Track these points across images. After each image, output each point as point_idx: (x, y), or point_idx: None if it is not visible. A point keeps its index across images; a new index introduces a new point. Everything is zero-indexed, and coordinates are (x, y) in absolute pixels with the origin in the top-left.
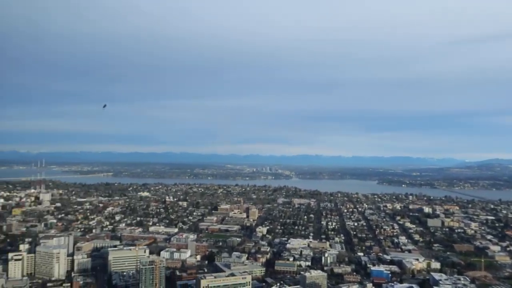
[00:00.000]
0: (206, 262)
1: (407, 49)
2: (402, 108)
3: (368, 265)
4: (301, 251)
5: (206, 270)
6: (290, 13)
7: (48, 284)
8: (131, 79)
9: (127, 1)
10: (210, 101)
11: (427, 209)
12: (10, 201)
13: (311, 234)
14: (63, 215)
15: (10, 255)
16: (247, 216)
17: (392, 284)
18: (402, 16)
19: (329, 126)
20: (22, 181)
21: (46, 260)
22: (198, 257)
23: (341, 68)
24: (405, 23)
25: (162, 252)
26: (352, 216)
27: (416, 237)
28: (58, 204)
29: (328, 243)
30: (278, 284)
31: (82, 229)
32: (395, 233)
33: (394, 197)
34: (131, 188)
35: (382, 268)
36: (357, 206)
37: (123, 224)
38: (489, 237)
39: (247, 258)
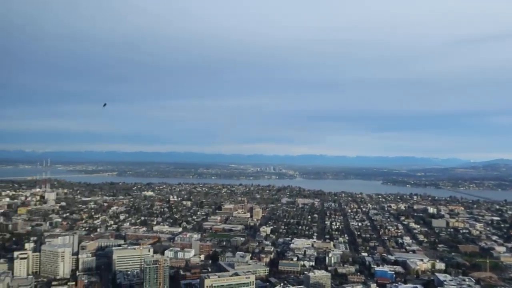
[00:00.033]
0: (210, 261)
1: (410, 49)
2: (407, 108)
3: (372, 266)
4: (305, 251)
5: (210, 270)
6: (291, 13)
7: (53, 283)
8: (135, 79)
9: (128, 1)
10: (214, 101)
11: (431, 210)
12: (15, 200)
13: (315, 234)
14: (68, 214)
15: (15, 253)
16: (251, 216)
17: (396, 284)
18: (405, 16)
19: (333, 126)
20: (27, 180)
21: (51, 259)
22: (202, 257)
23: (344, 68)
24: (407, 22)
25: (166, 252)
26: (356, 216)
27: (421, 237)
28: (63, 203)
29: (332, 243)
30: (282, 284)
31: (87, 228)
32: (399, 234)
33: (398, 197)
34: (135, 187)
35: (386, 268)
36: (361, 206)
37: (128, 223)
38: (494, 238)
39: (251, 258)
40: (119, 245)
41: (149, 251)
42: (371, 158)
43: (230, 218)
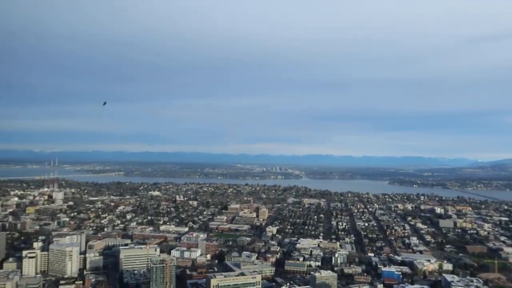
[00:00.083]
0: (216, 261)
1: (418, 48)
2: (414, 108)
3: (379, 266)
4: (311, 251)
5: (216, 269)
6: (299, 13)
7: (61, 282)
8: (142, 79)
9: (135, 1)
10: (220, 101)
11: (439, 210)
12: (24, 200)
13: (321, 234)
14: (75, 213)
15: (24, 252)
16: (257, 216)
17: (403, 285)
18: (412, 16)
19: (339, 125)
20: (35, 180)
21: (59, 258)
22: (208, 256)
23: (351, 67)
24: (416, 22)
25: (172, 251)
26: (362, 217)
27: (428, 238)
28: (71, 203)
29: (338, 243)
30: (288, 284)
31: (94, 228)
32: (406, 234)
33: (405, 197)
34: (142, 187)
35: (393, 269)
36: (368, 206)
37: (134, 223)
38: (502, 238)
39: (257, 258)
40: (126, 245)
41: (155, 250)
42: (378, 158)
43: (236, 218)
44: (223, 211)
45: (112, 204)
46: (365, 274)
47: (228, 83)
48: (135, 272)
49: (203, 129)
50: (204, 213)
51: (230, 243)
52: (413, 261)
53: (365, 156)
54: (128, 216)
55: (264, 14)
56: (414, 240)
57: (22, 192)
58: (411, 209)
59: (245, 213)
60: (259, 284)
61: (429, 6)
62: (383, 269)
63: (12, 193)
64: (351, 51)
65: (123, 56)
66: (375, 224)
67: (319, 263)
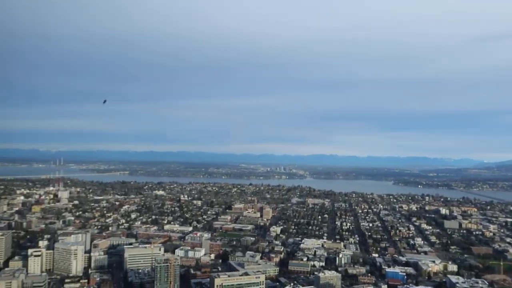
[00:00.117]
0: (220, 261)
1: (423, 48)
2: (419, 108)
3: (383, 267)
4: (315, 251)
5: (220, 269)
6: (303, 14)
7: (66, 280)
8: (147, 79)
9: (140, 2)
10: (225, 101)
11: (444, 211)
12: (30, 198)
13: (325, 234)
14: (80, 212)
15: (29, 251)
16: (261, 216)
17: (408, 286)
18: (415, 15)
19: (344, 125)
20: (41, 179)
21: (64, 257)
22: (212, 256)
23: (355, 67)
24: (420, 21)
25: (176, 250)
26: (367, 217)
27: (433, 238)
28: (76, 202)
29: (342, 243)
30: (292, 284)
31: (99, 227)
32: (410, 235)
33: (410, 198)
34: (146, 186)
35: (397, 269)
36: (372, 207)
37: (139, 222)
38: (508, 240)
39: (261, 258)
40: (131, 244)
41: (160, 250)
42: (383, 158)
43: (240, 217)
44: (227, 210)
45: (117, 203)
46: (369, 274)
47: (232, 83)
48: (140, 271)
49: (207, 129)
50: (208, 212)
51: (234, 242)
52: (418, 262)
53: (370, 156)
54: (133, 215)
55: (267, 14)
56: (419, 241)
57: (28, 191)
58: (415, 209)
59: (249, 213)
60: (263, 284)
61: (430, 6)
62: (388, 269)
63: (18, 192)
64: (355, 51)
65: (128, 56)
66: (379, 224)
67: (323, 264)
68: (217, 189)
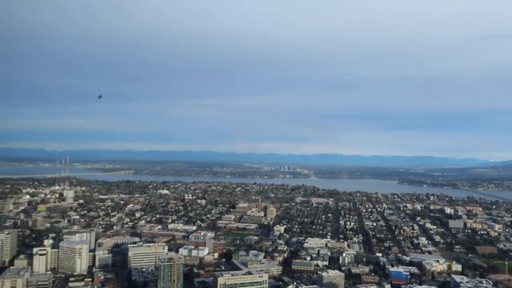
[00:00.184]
0: (224, 260)
1: (428, 47)
2: (424, 107)
3: (387, 266)
4: (318, 251)
5: (223, 268)
6: (305, 13)
7: (71, 279)
8: (151, 79)
9: (143, 2)
10: (229, 100)
11: (448, 210)
12: (35, 197)
13: (329, 233)
14: (85, 211)
15: (35, 249)
16: (265, 215)
17: (411, 285)
18: (418, 15)
19: (348, 124)
20: (47, 178)
21: (69, 255)
22: (216, 255)
23: (360, 66)
24: (425, 20)
25: (180, 249)
26: (371, 216)
27: (437, 238)
28: (81, 201)
29: (346, 243)
30: (295, 283)
31: (104, 226)
32: (415, 234)
33: (414, 197)
34: (151, 185)
35: (401, 269)
36: (376, 206)
37: (143, 221)
38: None
39: (264, 257)
40: (135, 243)
41: (163, 249)
42: (387, 157)
43: (244, 217)
44: (231, 210)
45: (122, 202)
46: (372, 274)
47: (236, 83)
48: (143, 270)
49: (211, 128)
50: (212, 212)
51: (238, 242)
52: (422, 261)
53: (374, 156)
54: (137, 215)
55: (269, 14)
56: (423, 240)
57: (34, 190)
58: (420, 209)
59: (253, 212)
60: (266, 283)
61: (430, 6)
62: (391, 269)
63: (24, 191)
64: (356, 51)
65: (131, 55)
66: (383, 224)
67: (326, 263)
68: (221, 188)
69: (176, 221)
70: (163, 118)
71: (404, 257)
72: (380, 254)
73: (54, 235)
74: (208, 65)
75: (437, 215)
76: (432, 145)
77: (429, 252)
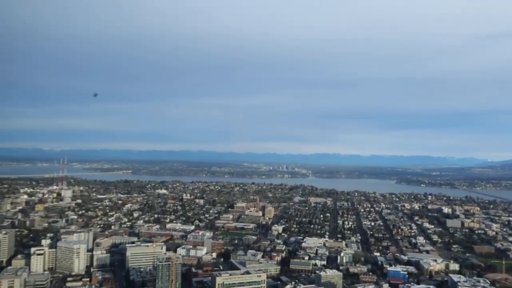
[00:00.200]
0: (222, 259)
1: (426, 46)
2: (422, 107)
3: (385, 265)
4: (316, 250)
5: (221, 268)
6: (305, 13)
7: (68, 279)
8: (149, 78)
9: (145, 2)
10: (227, 100)
11: (446, 210)
12: (33, 197)
13: (327, 233)
14: (83, 211)
15: (32, 249)
16: (263, 215)
17: (409, 285)
18: (418, 15)
19: (347, 124)
20: (45, 177)
21: (67, 255)
22: (214, 255)
23: (358, 66)
24: (424, 20)
25: (178, 249)
26: (369, 216)
27: (435, 237)
28: (79, 201)
29: (344, 242)
30: (293, 282)
31: (102, 225)
32: (412, 234)
33: (412, 196)
34: (149, 185)
35: (398, 268)
36: (374, 206)
37: (141, 221)
38: (511, 239)
39: (263, 256)
40: (133, 243)
41: (162, 248)
42: (386, 157)
43: (242, 216)
44: (229, 209)
45: (120, 202)
46: (370, 273)
47: (235, 83)
48: (141, 269)
49: (209, 128)
50: (211, 211)
51: (236, 241)
52: (419, 261)
53: (373, 155)
54: (135, 214)
55: (269, 14)
56: (421, 239)
57: (32, 190)
58: (418, 208)
59: (251, 211)
60: (264, 283)
61: (430, 6)
62: (389, 268)
63: (21, 190)
64: (359, 51)
65: (131, 56)
66: (381, 223)
67: (324, 262)
68: (219, 188)
69: (174, 221)
70: (162, 118)
71: (402, 256)
72: (378, 254)
73: (52, 235)
74: (207, 65)
75: (435, 214)
76: (431, 145)
77: (427, 252)
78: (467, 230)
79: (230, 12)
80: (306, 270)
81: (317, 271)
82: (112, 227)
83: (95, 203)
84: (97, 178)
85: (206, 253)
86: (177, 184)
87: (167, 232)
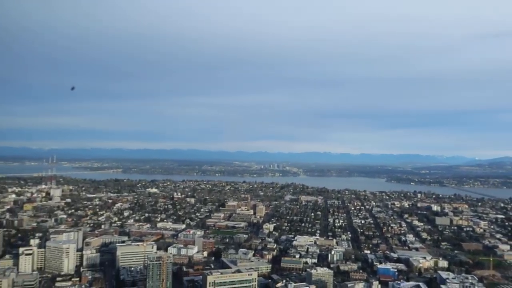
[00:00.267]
0: (213, 258)
1: (415, 47)
2: (412, 106)
3: (375, 263)
4: (307, 248)
5: (212, 266)
6: (298, 12)
7: (58, 279)
8: (140, 77)
9: (139, 1)
10: (218, 99)
11: (435, 207)
12: (21, 197)
13: (318, 231)
14: (73, 210)
15: (21, 249)
16: (254, 213)
17: (399, 282)
18: (417, 15)
19: (337, 123)
20: (33, 176)
21: (56, 255)
22: (205, 253)
23: (348, 66)
24: (414, 20)
25: (169, 248)
26: (359, 214)
27: (424, 235)
28: (68, 200)
29: (334, 240)
30: (284, 281)
31: (91, 225)
32: (402, 231)
33: (402, 195)
34: (139, 184)
35: (389, 266)
36: (365, 204)
37: (132, 220)
38: (498, 236)
39: (254, 255)
40: (123, 242)
41: (152, 247)
42: (376, 155)
43: (234, 215)
44: (220, 208)
45: (110, 201)
46: (361, 271)
47: (226, 81)
48: (132, 269)
49: (200, 126)
50: (202, 210)
51: (227, 240)
52: (409, 258)
53: (363, 154)
54: (126, 213)
55: (263, 14)
56: (410, 237)
57: (20, 189)
58: (407, 206)
59: (242, 210)
60: (255, 281)
61: (429, 6)
62: (379, 266)
63: (9, 190)
64: (348, 51)
65: (122, 54)
66: (371, 221)
67: (315, 260)
68: (210, 186)
69: (165, 220)
70: (153, 116)
71: (392, 254)
72: (368, 251)
73: (40, 234)
74: (198, 64)
75: (424, 212)
76: (420, 144)
77: (416, 249)
78: (455, 228)
79: (225, 11)
80: (297, 268)
81: (308, 269)
82: (102, 226)
83: (85, 202)
84: (87, 177)
85: (197, 252)
86: (168, 183)
87: (157, 231)
